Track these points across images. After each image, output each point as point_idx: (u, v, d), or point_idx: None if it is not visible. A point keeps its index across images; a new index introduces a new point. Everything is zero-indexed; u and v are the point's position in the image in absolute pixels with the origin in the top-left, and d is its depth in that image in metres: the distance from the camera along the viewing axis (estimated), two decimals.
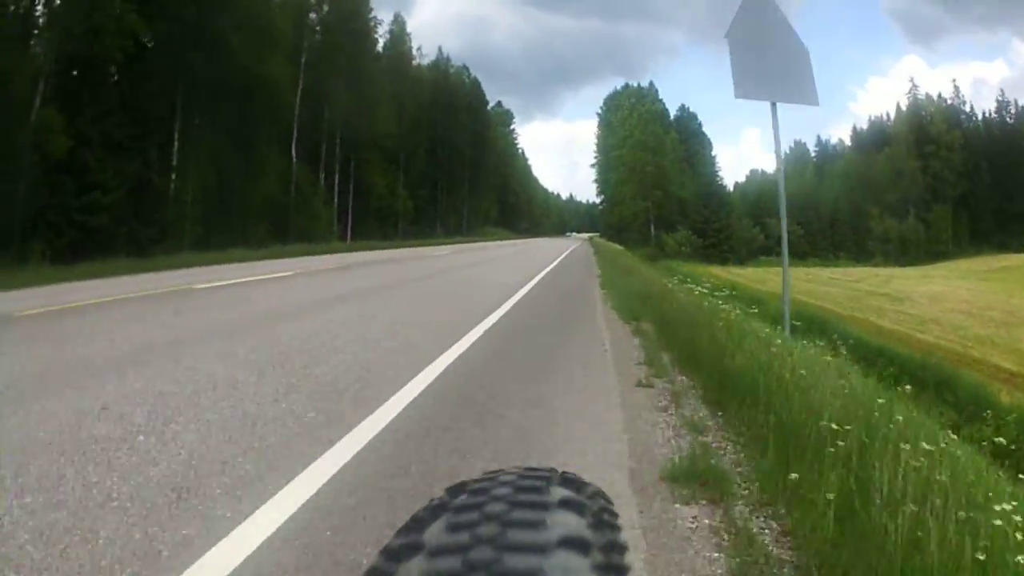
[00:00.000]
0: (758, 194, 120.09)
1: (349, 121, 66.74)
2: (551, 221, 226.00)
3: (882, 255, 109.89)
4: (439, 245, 67.59)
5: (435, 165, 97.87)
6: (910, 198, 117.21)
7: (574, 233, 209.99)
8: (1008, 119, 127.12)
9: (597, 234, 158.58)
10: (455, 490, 0.92)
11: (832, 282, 67.06)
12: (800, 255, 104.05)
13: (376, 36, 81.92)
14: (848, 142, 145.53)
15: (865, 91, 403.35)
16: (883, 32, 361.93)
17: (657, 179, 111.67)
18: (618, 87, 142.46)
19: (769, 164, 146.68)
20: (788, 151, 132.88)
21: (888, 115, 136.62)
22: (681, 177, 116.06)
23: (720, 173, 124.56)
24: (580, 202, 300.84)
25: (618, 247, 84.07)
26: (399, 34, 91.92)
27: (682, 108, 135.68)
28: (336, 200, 70.06)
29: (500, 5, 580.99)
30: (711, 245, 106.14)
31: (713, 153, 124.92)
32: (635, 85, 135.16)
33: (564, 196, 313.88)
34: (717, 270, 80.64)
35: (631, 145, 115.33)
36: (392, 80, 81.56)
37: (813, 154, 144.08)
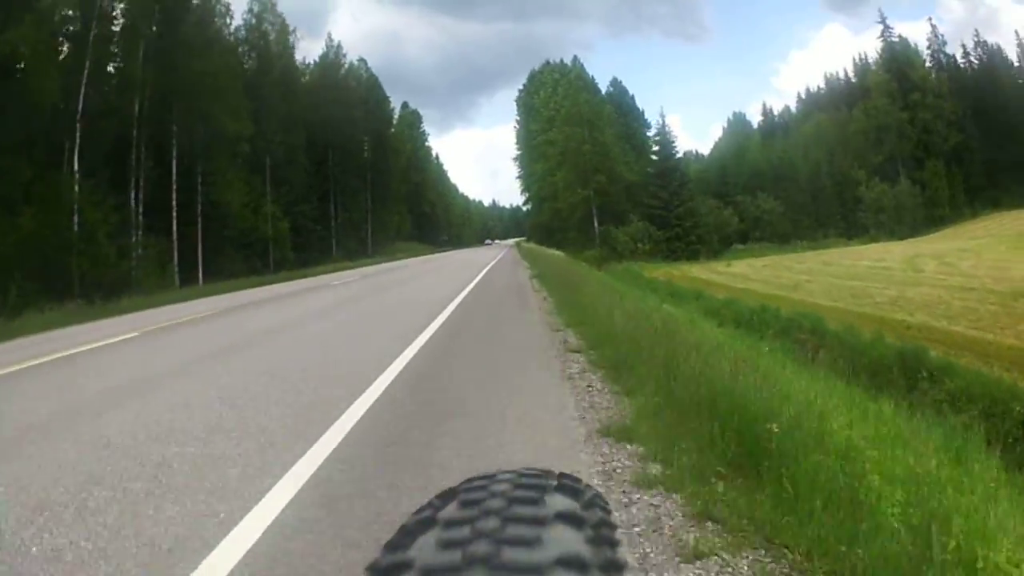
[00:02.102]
0: (721, 167, 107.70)
1: (180, 120, 52.83)
2: (473, 230, 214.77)
3: (875, 227, 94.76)
4: (326, 274, 52.41)
5: (322, 174, 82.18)
6: (899, 156, 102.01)
7: (497, 241, 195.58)
8: (973, 62, 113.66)
9: (524, 239, 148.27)
10: (444, 498, 0.90)
11: (875, 274, 48.57)
12: (782, 237, 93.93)
13: (221, 11, 66.80)
14: (793, 108, 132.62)
15: (787, 64, 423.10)
16: (802, 3, 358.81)
17: (598, 159, 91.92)
18: (535, 68, 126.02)
19: (700, 146, 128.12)
20: (727, 123, 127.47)
21: (841, 72, 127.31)
22: (625, 157, 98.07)
23: (677, 144, 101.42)
24: (504, 207, 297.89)
25: (554, 252, 68.45)
26: (261, 14, 76.24)
27: (614, 82, 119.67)
28: (175, 228, 53.06)
29: (412, 17, 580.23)
30: (675, 237, 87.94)
31: (659, 127, 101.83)
32: (558, 61, 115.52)
33: (487, 203, 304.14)
34: (697, 270, 66.66)
35: (561, 121, 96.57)
36: (256, 70, 69.88)
37: (756, 124, 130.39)
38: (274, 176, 68.19)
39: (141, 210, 49.70)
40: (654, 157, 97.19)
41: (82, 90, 43.75)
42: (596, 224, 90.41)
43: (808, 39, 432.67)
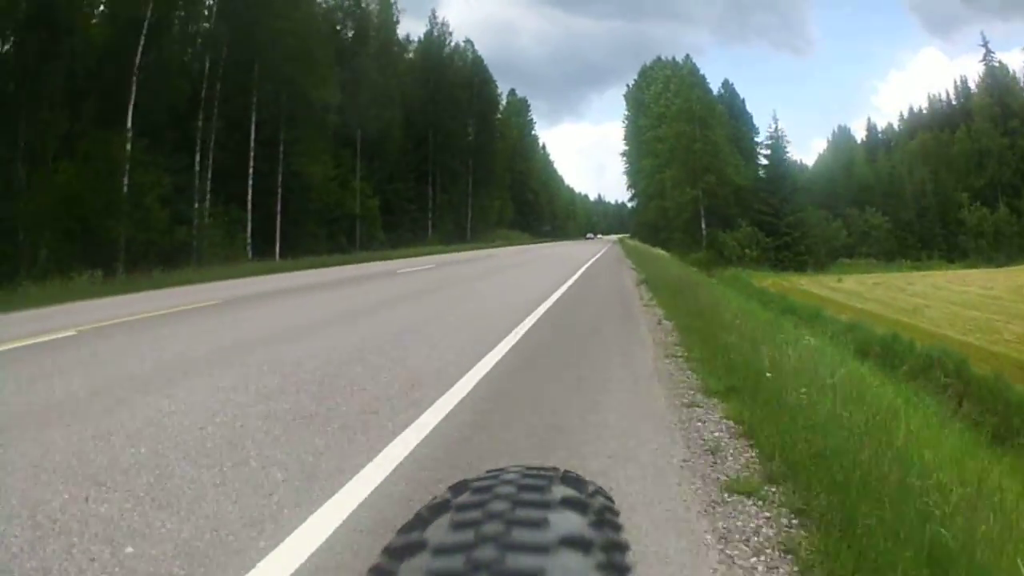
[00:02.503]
0: (828, 179, 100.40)
1: (259, 83, 49.59)
2: (577, 223, 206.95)
3: (975, 252, 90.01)
4: (409, 257, 46.90)
5: (421, 154, 77.77)
6: (999, 182, 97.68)
7: (599, 235, 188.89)
8: None
9: (627, 235, 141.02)
10: (458, 488, 0.92)
11: (989, 304, 45.55)
12: (887, 255, 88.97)
13: None
14: (896, 126, 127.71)
15: (886, 83, 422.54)
16: (901, 26, 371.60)
17: (708, 159, 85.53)
18: (647, 63, 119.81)
19: (802, 158, 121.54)
20: (831, 136, 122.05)
21: (943, 94, 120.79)
22: (734, 160, 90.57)
23: (788, 150, 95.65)
24: (609, 203, 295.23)
25: (659, 252, 61.61)
26: None
27: (725, 84, 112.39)
28: (250, 197, 49.00)
29: (524, 8, 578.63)
30: (783, 246, 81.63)
31: (771, 130, 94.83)
32: (670, 58, 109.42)
33: (592, 198, 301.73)
34: (806, 282, 62.96)
35: (672, 116, 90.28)
36: (353, 40, 67.65)
37: (860, 140, 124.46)
38: (365, 151, 63.47)
39: (210, 175, 45.49)
40: (764, 161, 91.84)
41: (141, 42, 39.40)
42: (703, 226, 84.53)
43: (906, 60, 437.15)
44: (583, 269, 32.84)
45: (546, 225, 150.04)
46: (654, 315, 16.06)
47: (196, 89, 44.77)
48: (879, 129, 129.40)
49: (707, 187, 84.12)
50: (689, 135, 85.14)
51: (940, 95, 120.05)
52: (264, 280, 27.34)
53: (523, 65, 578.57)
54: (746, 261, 74.22)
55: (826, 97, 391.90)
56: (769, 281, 57.58)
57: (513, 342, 11.62)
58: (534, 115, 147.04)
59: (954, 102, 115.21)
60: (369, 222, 62.74)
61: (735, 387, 8.24)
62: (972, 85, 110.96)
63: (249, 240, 48.11)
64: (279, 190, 50.77)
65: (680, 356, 10.80)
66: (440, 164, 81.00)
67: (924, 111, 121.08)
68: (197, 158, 44.38)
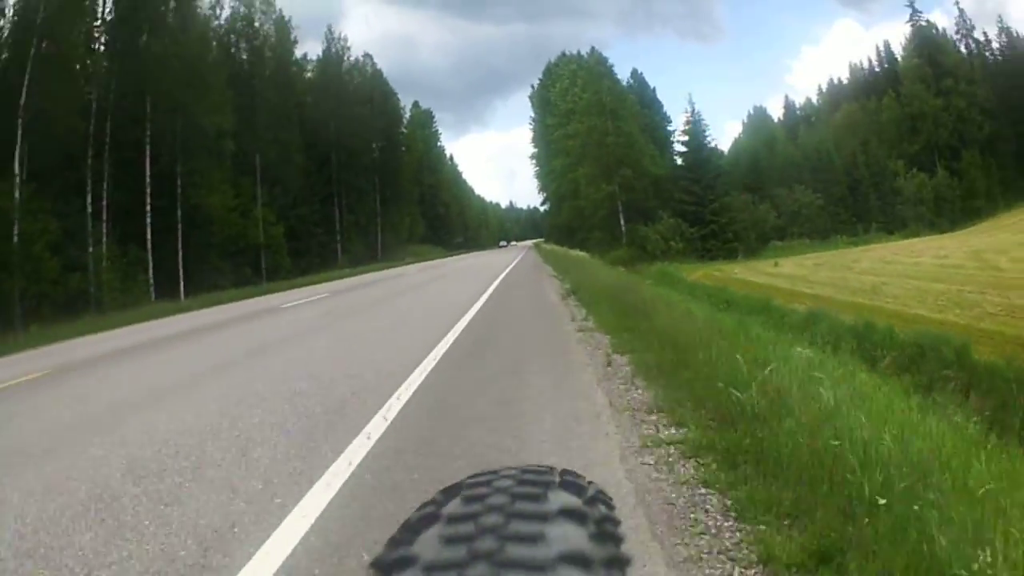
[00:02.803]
0: (751, 161, 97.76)
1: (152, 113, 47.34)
2: (490, 232, 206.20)
3: (915, 220, 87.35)
4: (318, 284, 45.78)
5: (325, 175, 76.33)
6: (935, 146, 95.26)
7: (514, 242, 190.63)
8: (996, 49, 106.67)
9: (542, 240, 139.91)
10: (448, 493, 0.89)
11: (952, 274, 41.47)
12: (822, 233, 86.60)
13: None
14: (815, 101, 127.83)
15: (799, 62, 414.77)
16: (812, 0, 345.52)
17: (623, 152, 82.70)
18: (551, 61, 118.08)
19: (719, 143, 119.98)
20: (748, 118, 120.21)
21: (864, 63, 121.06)
22: (650, 150, 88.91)
23: (709, 134, 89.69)
24: (521, 209, 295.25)
25: (578, 253, 60.00)
26: (252, 4, 69.09)
27: (634, 74, 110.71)
28: (149, 236, 47.15)
29: (425, 20, 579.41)
30: (710, 234, 78.89)
31: (688, 114, 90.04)
32: (575, 53, 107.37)
33: (504, 205, 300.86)
34: (741, 270, 60.09)
35: (582, 110, 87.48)
36: (248, 63, 65.49)
37: (777, 119, 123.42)
38: (266, 177, 61.61)
39: (105, 217, 43.52)
40: (682, 148, 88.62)
41: (26, 78, 37.44)
42: (622, 222, 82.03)
43: (820, 35, 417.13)
44: (498, 282, 31.70)
45: (459, 237, 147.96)
46: (596, 345, 12.59)
47: (85, 126, 42.88)
48: (797, 106, 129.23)
49: (623, 181, 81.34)
50: (601, 128, 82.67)
51: (861, 64, 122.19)
52: (148, 327, 25.68)
53: (426, 78, 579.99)
54: (671, 254, 72.63)
55: (738, 81, 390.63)
56: (700, 273, 56.33)
57: (381, 431, 7.71)
58: (440, 127, 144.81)
59: (876, 69, 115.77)
60: (274, 251, 61.17)
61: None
62: (898, 50, 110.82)
63: (151, 281, 46.33)
64: (179, 225, 48.94)
65: (671, 439, 6.66)
66: (345, 184, 79.36)
67: (845, 82, 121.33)
68: (89, 199, 42.72)
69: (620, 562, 0.81)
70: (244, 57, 65.58)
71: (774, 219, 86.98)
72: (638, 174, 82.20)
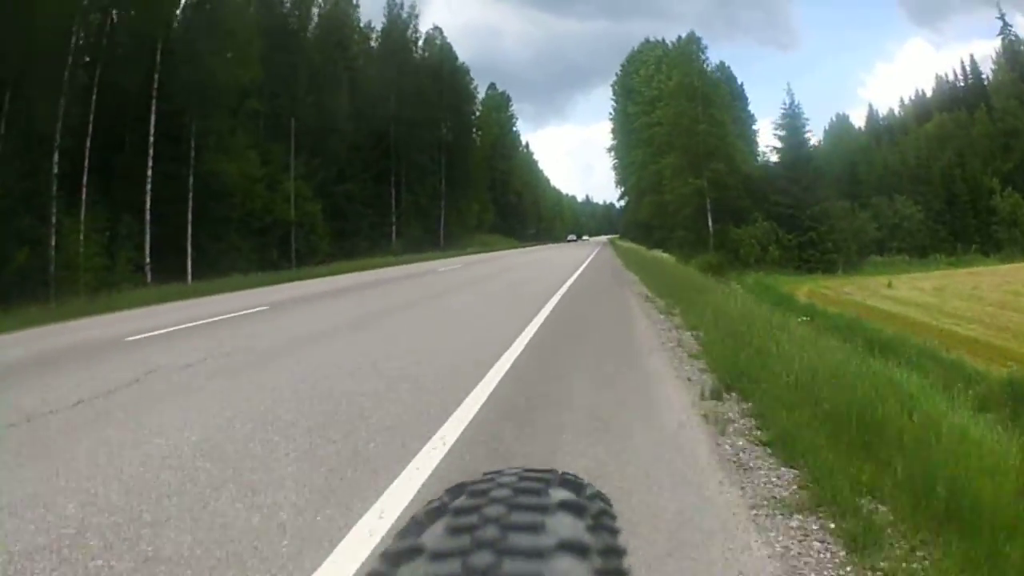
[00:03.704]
0: (847, 165, 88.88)
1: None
2: (564, 224, 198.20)
3: (1009, 242, 79.14)
4: (352, 272, 38.72)
5: (381, 149, 68.84)
6: None
7: (585, 237, 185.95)
8: None
9: (616, 236, 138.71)
10: (454, 492, 0.92)
11: None
12: (919, 250, 78.06)
13: None
14: (897, 112, 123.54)
15: (873, 76, 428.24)
16: (887, 18, 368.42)
17: (714, 142, 72.46)
18: (634, 48, 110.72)
19: None
20: (829, 124, 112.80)
21: (950, 74, 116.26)
22: (742, 145, 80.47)
23: (809, 131, 78.63)
24: (597, 204, 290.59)
25: (660, 255, 53.08)
26: None
27: (721, 66, 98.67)
28: (149, 208, 40.22)
29: (507, 12, 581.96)
30: (808, 243, 68.45)
31: (786, 108, 78.18)
32: (661, 39, 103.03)
33: (580, 199, 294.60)
34: (852, 289, 52.01)
35: (670, 94, 78.29)
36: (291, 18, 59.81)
37: (859, 128, 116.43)
38: (303, 145, 54.19)
39: (86, 180, 36.36)
40: (779, 144, 76.85)
41: None
42: (711, 222, 72.00)
43: (892, 53, 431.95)
44: (565, 289, 23.42)
45: (531, 228, 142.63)
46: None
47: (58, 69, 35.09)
48: (880, 116, 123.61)
49: (713, 176, 71.52)
50: (690, 114, 72.90)
51: (946, 76, 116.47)
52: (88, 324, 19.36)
53: (507, 68, 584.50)
54: (765, 262, 64.05)
55: (814, 92, 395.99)
56: (806, 289, 48.55)
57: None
58: (520, 119, 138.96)
59: (961, 83, 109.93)
60: (309, 230, 53.44)
61: None
62: (988, 64, 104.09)
63: (148, 260, 39.41)
64: (190, 194, 41.83)
65: None
66: (405, 160, 71.53)
67: (929, 94, 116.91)
68: (56, 157, 34.42)
69: (617, 552, 0.83)
70: (286, 10, 59.07)
71: (873, 230, 77.55)
72: (730, 169, 72.29)
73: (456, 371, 9.75)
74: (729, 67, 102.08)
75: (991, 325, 31.38)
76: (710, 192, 70.69)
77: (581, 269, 34.88)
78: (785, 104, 75.97)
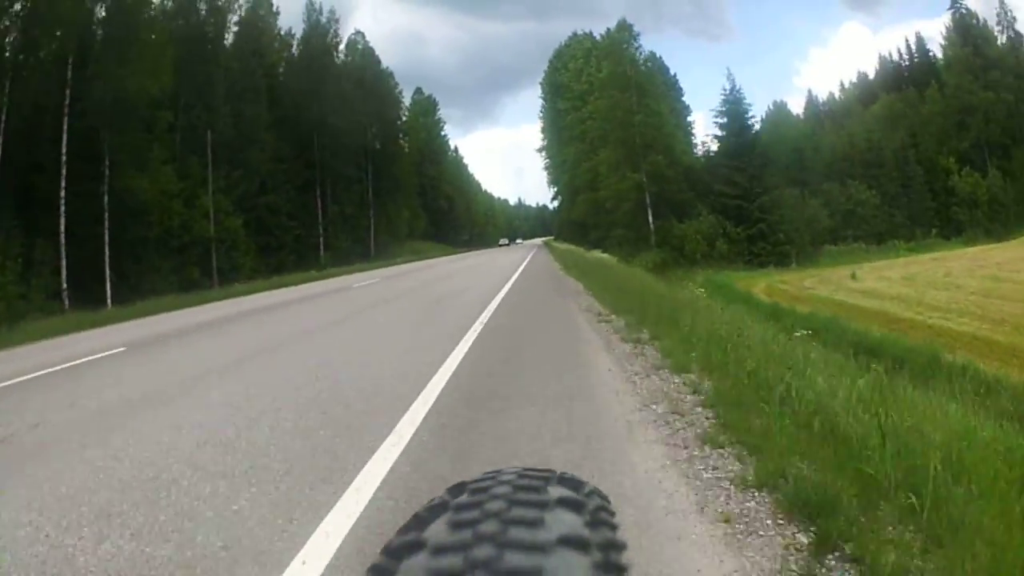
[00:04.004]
0: (794, 151, 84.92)
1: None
2: (498, 229, 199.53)
3: (971, 224, 78.29)
4: (280, 288, 37.52)
5: (304, 159, 66.57)
6: (986, 142, 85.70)
7: (519, 241, 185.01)
8: None
9: (551, 238, 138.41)
10: (456, 490, 0.93)
11: None
12: (876, 237, 76.28)
13: None
14: (838, 95, 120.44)
15: (808, 64, 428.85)
16: (820, 2, 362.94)
17: (652, 132, 69.66)
18: (561, 43, 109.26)
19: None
20: (767, 111, 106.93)
21: (894, 54, 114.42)
22: (680, 137, 78.98)
23: (751, 116, 73.89)
24: (530, 206, 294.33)
25: (599, 255, 51.42)
26: None
27: (652, 56, 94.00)
28: (63, 230, 38.26)
29: (433, 18, 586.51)
30: (759, 235, 65.04)
31: (727, 91, 73.52)
32: (588, 32, 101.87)
33: (512, 202, 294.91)
34: (813, 283, 48.99)
35: (602, 84, 76.11)
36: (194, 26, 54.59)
37: (799, 114, 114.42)
38: (221, 158, 52.15)
39: None
40: (719, 133, 72.41)
41: None
42: (651, 218, 68.52)
43: (827, 38, 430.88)
44: (496, 303, 20.07)
45: (465, 234, 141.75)
46: None
47: None
48: (821, 101, 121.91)
49: (653, 168, 67.77)
50: (625, 105, 69.65)
51: (890, 55, 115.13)
52: None
53: (434, 74, 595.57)
54: (713, 258, 61.54)
55: (748, 81, 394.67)
56: (763, 285, 46.51)
57: None
58: (448, 122, 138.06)
59: (905, 62, 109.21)
60: (230, 246, 51.59)
61: None
62: (934, 43, 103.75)
63: (64, 286, 37.62)
64: (106, 215, 40.22)
65: None
66: (330, 170, 70.27)
67: (872, 76, 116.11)
68: None
69: (616, 546, 0.84)
70: (203, 18, 56.71)
71: (826, 218, 75.14)
72: (670, 161, 69.14)
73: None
74: (660, 58, 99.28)
75: (984, 317, 28.86)
76: (649, 186, 67.83)
77: (514, 278, 31.21)
78: (725, 89, 72.27)
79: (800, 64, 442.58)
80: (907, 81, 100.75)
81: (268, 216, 57.45)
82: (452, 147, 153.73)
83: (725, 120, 70.42)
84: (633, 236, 67.52)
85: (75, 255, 38.44)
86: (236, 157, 53.51)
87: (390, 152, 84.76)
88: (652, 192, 67.72)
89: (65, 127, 38.61)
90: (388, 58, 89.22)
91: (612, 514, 0.89)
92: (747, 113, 70.99)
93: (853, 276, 48.23)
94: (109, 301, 37.87)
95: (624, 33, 78.13)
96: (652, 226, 67.73)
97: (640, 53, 79.15)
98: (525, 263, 46.13)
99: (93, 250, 39.54)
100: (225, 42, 58.76)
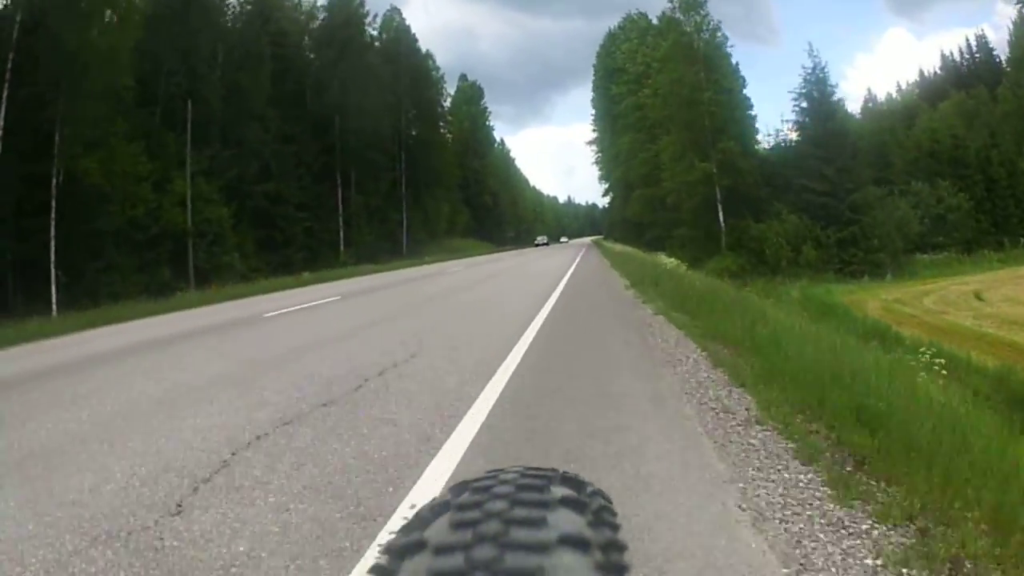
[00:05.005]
0: (877, 145, 75.93)
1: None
2: (546, 226, 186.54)
3: None
4: (278, 291, 31.91)
5: (323, 144, 60.62)
6: None
7: (564, 239, 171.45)
8: None
9: (600, 236, 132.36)
10: (458, 489, 0.93)
11: None
12: (964, 245, 68.58)
13: None
14: (895, 96, 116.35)
15: (854, 68, 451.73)
16: (866, 10, 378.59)
17: (723, 113, 60.43)
18: (612, 27, 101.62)
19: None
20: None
21: (955, 52, 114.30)
22: (751, 125, 66.79)
23: (836, 94, 67.61)
24: (580, 204, 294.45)
25: (663, 259, 41.37)
26: None
27: (719, 28, 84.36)
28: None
29: (484, 13, 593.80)
30: (849, 240, 55.32)
31: (808, 70, 63.16)
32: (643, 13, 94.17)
33: (561, 200, 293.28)
34: (934, 303, 40.40)
35: (663, 57, 65.94)
36: None
37: (856, 115, 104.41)
38: (204, 135, 45.06)
39: None
40: (800, 119, 61.93)
41: None
42: (721, 216, 58.73)
43: (872, 43, 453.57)
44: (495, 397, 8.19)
45: (510, 231, 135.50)
46: None
47: None
48: (879, 100, 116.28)
49: (724, 157, 58.26)
50: (691, 81, 60.35)
51: (952, 55, 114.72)
52: None
53: (485, 70, 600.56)
54: (799, 265, 52.90)
55: (795, 85, 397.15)
56: (876, 305, 38.29)
57: None
58: (499, 119, 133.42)
59: (966, 61, 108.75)
60: (212, 241, 44.28)
61: None
62: (1005, 39, 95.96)
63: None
64: (53, 202, 33.90)
65: None
66: (353, 156, 62.98)
67: (935, 75, 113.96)
68: None
69: (618, 547, 0.84)
70: None
71: (916, 224, 65.22)
72: (743, 149, 59.72)
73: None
74: (726, 36, 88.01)
75: None
76: (720, 178, 57.88)
77: (547, 308, 16.84)
78: (807, 68, 61.36)
79: (846, 68, 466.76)
80: (971, 79, 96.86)
81: (270, 206, 50.35)
82: (498, 139, 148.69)
83: (806, 104, 60.24)
84: (700, 237, 58.69)
85: (20, 250, 33.65)
86: (229, 135, 46.67)
87: (428, 140, 79.47)
88: (723, 186, 57.82)
89: (4, 96, 32.96)
90: (440, 54, 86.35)
91: (614, 514, 0.89)
92: (833, 94, 61.14)
93: (978, 296, 39.56)
94: (55, 306, 32.44)
95: (684, 4, 64.90)
96: (723, 226, 58.21)
97: (708, 22, 65.70)
98: (569, 273, 31.84)
99: (41, 244, 33.95)
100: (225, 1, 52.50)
